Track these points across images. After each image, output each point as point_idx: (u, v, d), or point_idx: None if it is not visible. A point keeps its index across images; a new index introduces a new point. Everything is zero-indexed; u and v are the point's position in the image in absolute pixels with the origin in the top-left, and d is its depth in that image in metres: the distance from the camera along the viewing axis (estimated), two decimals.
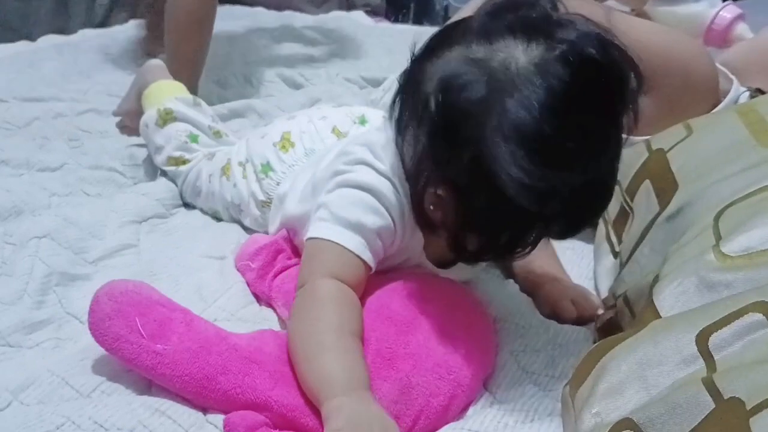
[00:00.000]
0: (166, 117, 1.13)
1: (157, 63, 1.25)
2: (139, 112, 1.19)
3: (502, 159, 0.64)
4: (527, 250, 0.73)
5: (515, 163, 0.64)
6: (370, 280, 0.78)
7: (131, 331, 0.69)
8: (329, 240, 0.75)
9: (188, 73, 1.41)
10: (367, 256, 0.76)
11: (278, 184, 0.96)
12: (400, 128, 0.74)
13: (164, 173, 1.17)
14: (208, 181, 1.07)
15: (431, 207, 0.73)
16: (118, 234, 0.99)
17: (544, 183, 0.64)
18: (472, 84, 0.66)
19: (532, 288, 0.89)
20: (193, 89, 1.38)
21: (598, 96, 0.65)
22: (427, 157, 0.71)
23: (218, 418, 0.68)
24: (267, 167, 0.97)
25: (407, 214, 0.77)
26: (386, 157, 0.76)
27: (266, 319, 0.85)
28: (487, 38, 0.67)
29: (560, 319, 0.85)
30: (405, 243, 0.80)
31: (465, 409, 0.72)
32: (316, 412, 0.67)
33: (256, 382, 0.68)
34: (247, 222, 1.03)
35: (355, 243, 0.75)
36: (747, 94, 1.03)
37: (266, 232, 0.99)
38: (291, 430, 0.68)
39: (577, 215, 0.70)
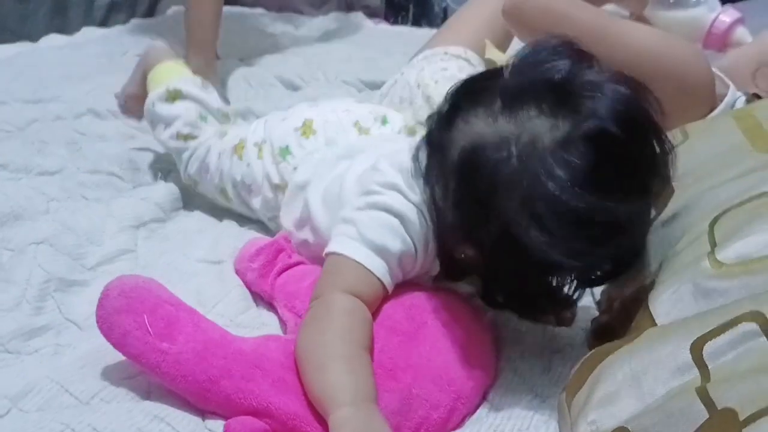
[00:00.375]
0: (175, 95, 1.11)
1: (161, 45, 1.24)
2: (143, 95, 1.17)
3: (531, 237, 0.66)
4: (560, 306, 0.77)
5: (543, 241, 0.65)
6: None
7: (139, 328, 0.70)
8: (353, 259, 0.76)
9: (205, 34, 1.55)
10: (387, 280, 0.77)
11: (295, 169, 0.96)
12: (428, 182, 0.75)
13: (163, 176, 1.17)
14: (218, 159, 1.06)
15: (460, 260, 0.74)
16: (116, 239, 0.99)
17: (571, 257, 0.66)
18: (498, 162, 0.66)
19: None
20: (210, 51, 1.52)
21: (624, 172, 0.66)
22: (453, 222, 0.72)
23: (217, 424, 0.69)
24: (286, 151, 0.98)
25: (431, 244, 0.78)
26: (417, 187, 0.77)
27: (265, 324, 0.85)
28: (512, 110, 0.67)
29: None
30: (425, 268, 0.81)
31: (464, 420, 0.73)
32: (318, 420, 0.67)
33: (259, 388, 0.69)
34: (255, 203, 1.03)
35: (377, 265, 0.76)
36: (743, 98, 1.03)
37: (276, 216, 0.99)
38: None
39: (607, 275, 0.74)
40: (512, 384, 0.75)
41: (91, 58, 1.76)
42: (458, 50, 1.25)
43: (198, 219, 1.10)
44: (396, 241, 0.76)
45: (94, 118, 1.41)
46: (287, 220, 0.96)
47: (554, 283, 0.73)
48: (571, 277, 0.73)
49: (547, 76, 0.67)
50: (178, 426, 0.68)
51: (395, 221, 0.77)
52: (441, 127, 0.73)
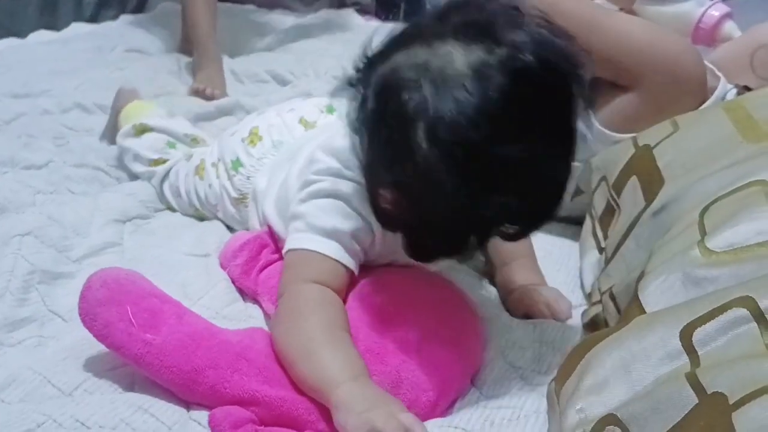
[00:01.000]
0: (142, 130, 1.16)
1: (130, 89, 1.33)
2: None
3: (435, 166, 0.62)
4: (483, 245, 0.72)
5: (447, 171, 0.62)
6: (359, 278, 0.79)
7: (121, 319, 0.69)
8: (307, 249, 0.76)
9: (200, 34, 1.69)
10: (346, 260, 0.76)
11: (248, 178, 0.96)
12: (354, 130, 0.71)
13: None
14: (185, 181, 1.08)
15: (385, 207, 0.71)
16: (102, 232, 0.99)
17: (475, 195, 0.62)
18: (408, 89, 0.63)
19: (507, 293, 0.90)
20: (207, 49, 1.66)
21: (536, 103, 0.63)
22: (372, 160, 0.69)
23: (202, 415, 0.68)
24: (237, 163, 0.98)
25: None
26: (354, 162, 0.75)
27: (251, 317, 0.84)
28: (429, 41, 0.65)
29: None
30: (389, 242, 0.80)
31: (452, 404, 0.72)
32: (306, 403, 0.67)
33: (244, 378, 0.68)
34: (221, 217, 1.04)
35: (332, 248, 0.76)
36: (734, 91, 1.03)
37: (246, 229, 0.99)
38: (277, 426, 0.67)
39: (524, 217, 0.68)
40: (503, 374, 0.75)
41: (80, 54, 1.76)
42: None
43: (183, 216, 1.10)
44: (344, 220, 0.76)
45: (81, 112, 1.40)
46: (254, 226, 0.96)
47: (461, 230, 0.67)
48: (477, 222, 0.67)
49: (471, 14, 0.65)
50: (162, 417, 0.67)
51: (338, 203, 0.77)
52: (365, 71, 0.69)
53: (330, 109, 1.00)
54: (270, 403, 0.67)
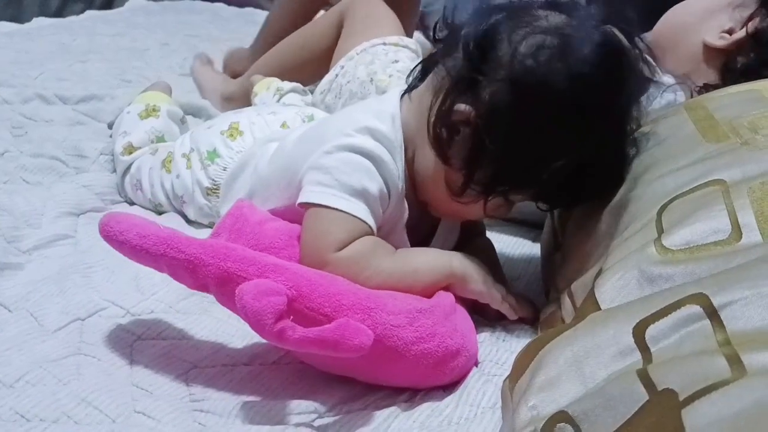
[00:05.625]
0: (151, 113, 1.15)
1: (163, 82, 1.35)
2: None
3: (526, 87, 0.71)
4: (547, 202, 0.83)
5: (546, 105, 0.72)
6: None
7: (144, 221, 0.72)
8: (337, 209, 0.74)
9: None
10: (372, 223, 0.76)
11: (224, 169, 0.95)
12: (425, 73, 0.80)
13: (108, 165, 1.15)
14: (149, 174, 1.06)
15: (453, 124, 0.75)
16: (55, 224, 0.96)
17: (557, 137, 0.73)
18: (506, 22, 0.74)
19: None
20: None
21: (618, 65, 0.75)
22: (463, 75, 0.74)
23: (147, 407, 0.66)
24: (213, 154, 0.97)
25: (401, 186, 0.79)
26: (392, 126, 0.78)
27: (206, 311, 0.82)
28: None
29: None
30: (396, 213, 0.80)
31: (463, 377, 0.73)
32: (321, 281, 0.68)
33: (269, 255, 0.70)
34: (190, 213, 1.02)
35: (361, 210, 0.75)
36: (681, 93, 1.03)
37: (212, 223, 0.97)
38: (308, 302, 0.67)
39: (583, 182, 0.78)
40: None
41: (41, 45, 1.73)
42: (394, 39, 1.26)
43: (140, 210, 1.08)
44: (372, 181, 0.76)
45: (41, 102, 1.37)
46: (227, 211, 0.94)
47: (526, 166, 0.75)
48: (542, 162, 0.74)
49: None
50: (106, 409, 0.65)
51: (367, 162, 0.76)
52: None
53: (311, 119, 1.01)
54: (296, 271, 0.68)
